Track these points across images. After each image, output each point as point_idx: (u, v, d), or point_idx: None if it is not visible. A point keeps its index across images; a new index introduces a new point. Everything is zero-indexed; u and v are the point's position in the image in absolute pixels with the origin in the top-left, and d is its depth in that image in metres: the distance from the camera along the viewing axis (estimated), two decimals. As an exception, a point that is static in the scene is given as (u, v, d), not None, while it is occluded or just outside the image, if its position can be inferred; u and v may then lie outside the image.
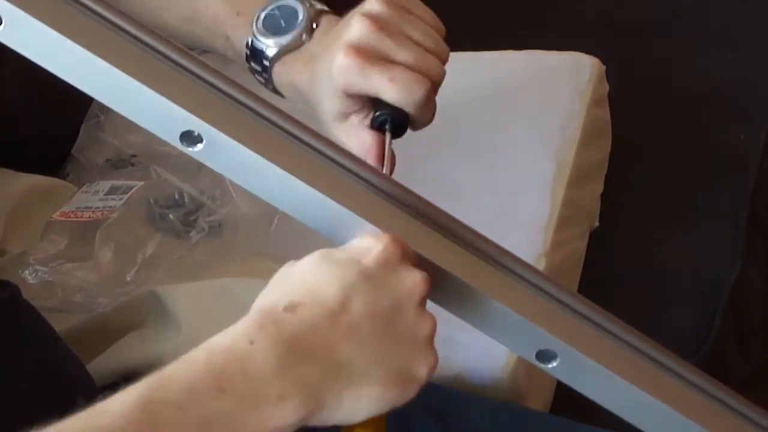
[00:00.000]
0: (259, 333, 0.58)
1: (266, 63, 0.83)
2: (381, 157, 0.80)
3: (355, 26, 0.78)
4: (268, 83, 0.85)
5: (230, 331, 0.59)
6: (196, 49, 0.90)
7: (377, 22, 0.78)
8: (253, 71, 0.85)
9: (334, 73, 0.79)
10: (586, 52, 1.28)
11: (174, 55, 0.64)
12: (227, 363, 0.57)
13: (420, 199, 0.67)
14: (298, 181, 0.63)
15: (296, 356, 0.58)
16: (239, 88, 0.65)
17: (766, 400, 0.74)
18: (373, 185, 0.66)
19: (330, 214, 0.64)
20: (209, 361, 0.57)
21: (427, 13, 0.81)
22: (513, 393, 1.03)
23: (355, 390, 0.59)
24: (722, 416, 0.69)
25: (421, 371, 0.61)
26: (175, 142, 0.63)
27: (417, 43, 0.78)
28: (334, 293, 0.60)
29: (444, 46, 0.80)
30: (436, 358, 0.62)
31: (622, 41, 1.44)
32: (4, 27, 0.60)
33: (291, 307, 0.59)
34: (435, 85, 0.79)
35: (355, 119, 0.82)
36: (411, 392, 0.61)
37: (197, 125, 0.62)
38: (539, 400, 1.09)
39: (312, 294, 0.60)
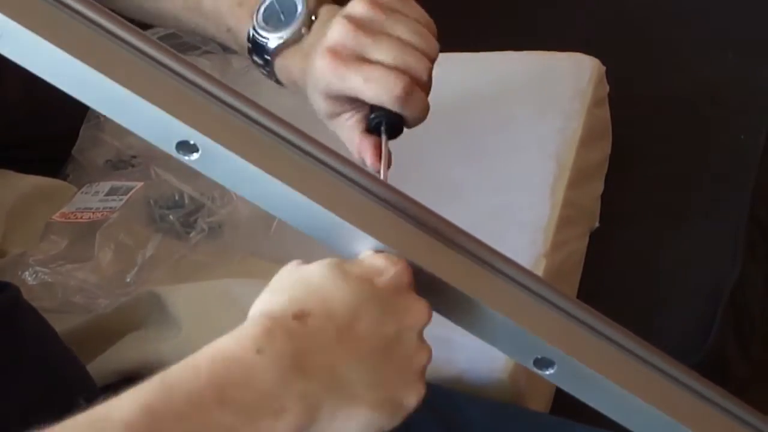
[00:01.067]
0: (267, 342, 0.57)
1: (267, 57, 0.83)
2: (376, 157, 0.80)
3: (334, 29, 0.78)
4: (271, 76, 0.85)
5: (237, 335, 0.58)
6: (200, 37, 0.90)
7: (356, 22, 0.78)
8: (256, 64, 0.85)
9: (315, 76, 0.79)
10: (586, 53, 1.28)
11: (171, 63, 0.63)
12: (231, 373, 0.57)
13: (418, 205, 0.67)
14: (294, 191, 0.63)
15: (300, 370, 0.57)
16: (236, 95, 0.65)
17: (766, 401, 0.74)
18: (372, 193, 0.66)
19: (326, 223, 0.64)
20: (213, 370, 0.57)
21: (415, 10, 0.80)
22: (513, 393, 1.03)
23: (348, 409, 0.59)
24: (719, 420, 0.69)
25: (411, 401, 0.61)
26: (172, 152, 0.63)
27: (401, 41, 0.78)
28: (344, 309, 0.59)
29: (431, 42, 0.80)
30: (425, 391, 0.61)
31: (622, 41, 1.44)
32: (1, 39, 0.60)
33: (301, 316, 0.58)
34: (416, 80, 0.78)
35: (345, 118, 0.82)
36: (397, 420, 0.61)
37: (193, 135, 0.62)
38: (539, 401, 1.09)
39: (323, 305, 0.59)
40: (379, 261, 0.63)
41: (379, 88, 0.77)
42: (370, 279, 0.61)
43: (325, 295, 0.60)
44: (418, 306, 0.62)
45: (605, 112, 1.29)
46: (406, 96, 0.77)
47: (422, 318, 0.62)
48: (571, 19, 1.51)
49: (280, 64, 0.83)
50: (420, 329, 0.62)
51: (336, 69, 0.77)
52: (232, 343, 0.58)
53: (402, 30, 0.78)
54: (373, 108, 0.80)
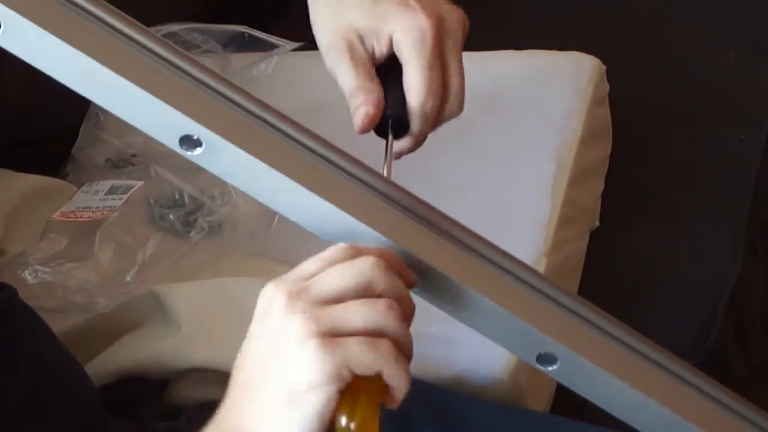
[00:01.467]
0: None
1: None
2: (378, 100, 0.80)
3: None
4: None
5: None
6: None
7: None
8: None
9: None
10: (587, 52, 1.28)
11: (173, 58, 0.64)
12: None
13: (421, 202, 0.67)
14: (297, 185, 0.63)
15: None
16: (239, 90, 0.65)
17: (766, 400, 0.74)
18: (374, 188, 0.66)
19: (329, 218, 0.64)
20: None
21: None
22: (513, 393, 1.03)
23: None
24: (723, 418, 0.69)
25: (308, 376, 0.58)
26: (174, 146, 0.63)
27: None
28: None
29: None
30: (325, 355, 0.58)
31: (623, 41, 1.44)
32: (3, 31, 0.60)
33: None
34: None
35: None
36: (311, 403, 0.58)
37: (196, 129, 0.62)
38: (539, 401, 1.09)
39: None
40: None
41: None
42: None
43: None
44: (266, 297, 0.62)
45: (605, 111, 1.29)
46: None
47: (273, 298, 0.60)
48: (571, 19, 1.51)
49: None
50: (280, 304, 0.60)
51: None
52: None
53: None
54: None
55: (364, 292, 0.59)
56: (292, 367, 0.58)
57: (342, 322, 0.58)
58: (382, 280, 0.60)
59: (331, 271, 0.60)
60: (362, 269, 0.60)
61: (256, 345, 0.60)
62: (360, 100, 0.80)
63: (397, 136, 0.81)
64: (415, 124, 0.81)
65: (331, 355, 0.57)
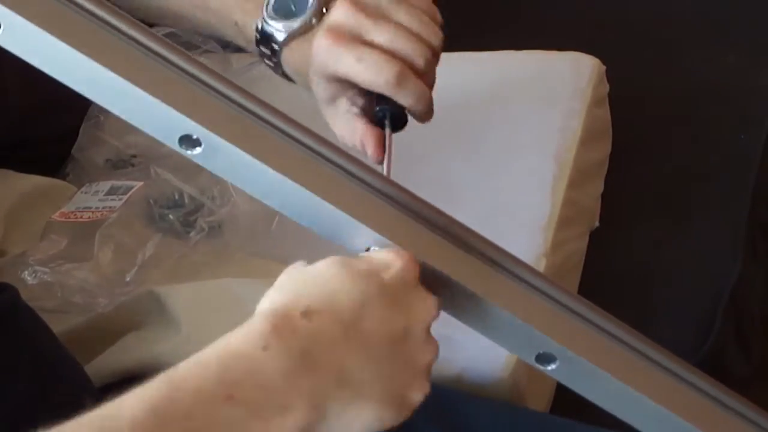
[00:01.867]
0: (273, 338, 0.57)
1: (275, 47, 0.83)
2: (380, 145, 0.80)
3: (336, 9, 0.78)
4: (278, 68, 0.85)
5: (243, 331, 0.58)
6: (207, 36, 0.91)
7: (358, 4, 0.78)
8: (262, 56, 0.85)
9: (313, 54, 0.79)
10: (586, 52, 1.28)
11: (173, 58, 0.64)
12: (238, 370, 0.57)
13: (420, 201, 0.67)
14: (297, 185, 0.63)
15: (306, 367, 0.57)
16: (238, 90, 0.65)
17: (766, 401, 0.74)
18: (374, 188, 0.66)
19: (329, 218, 0.64)
20: (219, 367, 0.57)
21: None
22: (513, 393, 1.03)
23: (355, 406, 0.59)
24: (723, 418, 0.69)
25: (417, 397, 0.61)
26: (174, 146, 0.63)
27: (401, 26, 0.78)
28: (351, 305, 0.59)
29: (435, 31, 0.80)
30: (429, 388, 0.62)
31: (622, 41, 1.44)
32: (3, 31, 0.60)
33: (308, 314, 0.58)
34: (412, 66, 0.78)
35: (343, 105, 0.82)
36: (403, 416, 0.61)
37: (196, 129, 0.62)
38: (539, 400, 1.09)
39: (330, 302, 0.59)
40: (385, 255, 0.62)
41: (371, 71, 0.77)
42: (377, 274, 0.61)
43: (331, 293, 0.60)
44: (425, 301, 0.62)
45: (605, 111, 1.29)
46: (399, 81, 0.77)
47: (430, 313, 0.62)
48: (571, 19, 1.51)
49: (287, 55, 0.83)
50: (427, 325, 0.62)
51: (332, 47, 0.77)
52: (239, 340, 0.58)
53: (404, 16, 0.78)
54: (378, 101, 0.79)
55: None
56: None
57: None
58: None
59: None
60: None
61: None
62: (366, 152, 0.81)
63: (395, 129, 0.81)
64: (405, 99, 0.80)
65: None
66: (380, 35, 0.77)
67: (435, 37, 0.79)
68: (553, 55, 1.29)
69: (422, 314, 0.61)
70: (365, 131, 0.81)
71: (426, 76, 0.79)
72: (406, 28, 0.78)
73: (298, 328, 0.58)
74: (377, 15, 0.78)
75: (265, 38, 0.83)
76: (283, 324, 0.58)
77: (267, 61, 0.85)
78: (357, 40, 0.77)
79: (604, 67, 1.28)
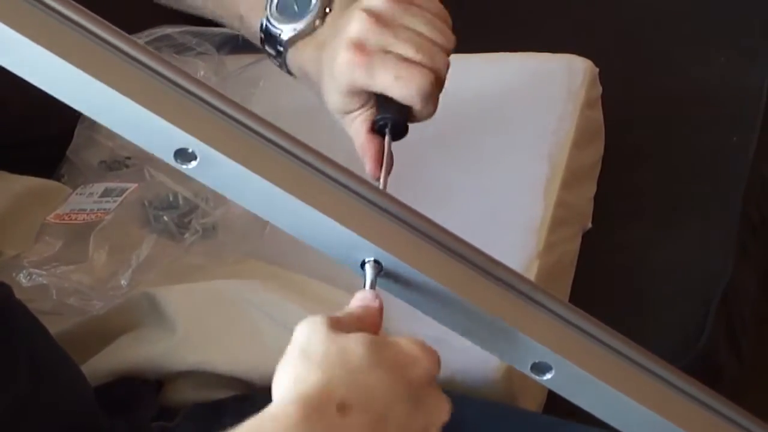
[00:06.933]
0: (306, 428, 0.57)
1: (280, 48, 0.83)
2: (378, 160, 0.80)
3: (355, 22, 0.78)
4: (283, 66, 0.85)
5: (276, 413, 0.58)
6: (219, 24, 0.92)
7: (376, 16, 0.78)
8: (268, 54, 0.85)
9: (336, 71, 0.79)
10: (579, 55, 1.29)
11: (167, 72, 0.64)
12: None
13: (414, 212, 0.67)
14: (292, 198, 0.64)
15: None
16: (233, 104, 0.65)
17: (758, 402, 0.75)
18: (368, 200, 0.66)
19: (326, 231, 0.64)
20: None
21: (431, 3, 0.80)
22: (506, 393, 1.03)
23: None
24: (717, 426, 0.69)
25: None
26: (170, 160, 0.64)
27: (420, 35, 0.78)
28: (382, 401, 0.59)
29: (449, 35, 0.80)
30: None
31: (615, 43, 1.44)
32: None
33: (343, 408, 0.58)
34: (439, 77, 0.79)
35: (355, 115, 0.82)
36: None
37: (191, 143, 0.63)
38: (532, 401, 1.09)
39: (364, 397, 0.59)
40: (411, 347, 0.62)
41: (409, 87, 0.77)
42: (405, 368, 0.61)
43: (365, 385, 0.59)
44: (443, 402, 0.62)
45: (598, 113, 1.29)
46: (431, 93, 0.78)
47: (446, 414, 0.62)
48: (564, 21, 1.51)
49: (292, 55, 0.83)
50: (442, 424, 0.62)
51: (366, 65, 0.77)
52: (270, 424, 0.57)
53: (420, 24, 0.78)
54: (380, 107, 0.80)
55: None
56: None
57: None
58: None
59: None
60: None
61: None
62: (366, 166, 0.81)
63: (396, 137, 0.81)
64: (412, 101, 0.80)
65: None
66: (405, 49, 0.77)
67: (449, 42, 0.80)
68: (546, 58, 1.29)
69: (440, 416, 0.61)
70: (365, 143, 0.81)
71: (444, 82, 0.80)
72: (426, 36, 0.78)
73: (332, 425, 0.58)
74: (395, 25, 0.78)
75: (269, 38, 0.83)
76: (317, 417, 0.57)
77: (272, 59, 0.85)
78: (382, 52, 0.77)
79: (596, 69, 1.28)
